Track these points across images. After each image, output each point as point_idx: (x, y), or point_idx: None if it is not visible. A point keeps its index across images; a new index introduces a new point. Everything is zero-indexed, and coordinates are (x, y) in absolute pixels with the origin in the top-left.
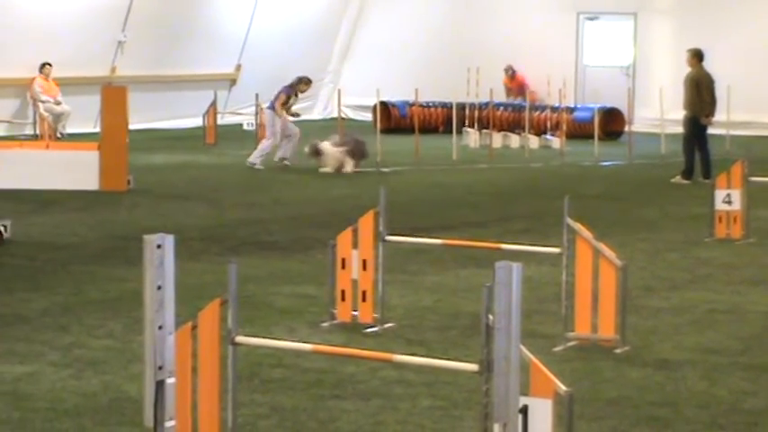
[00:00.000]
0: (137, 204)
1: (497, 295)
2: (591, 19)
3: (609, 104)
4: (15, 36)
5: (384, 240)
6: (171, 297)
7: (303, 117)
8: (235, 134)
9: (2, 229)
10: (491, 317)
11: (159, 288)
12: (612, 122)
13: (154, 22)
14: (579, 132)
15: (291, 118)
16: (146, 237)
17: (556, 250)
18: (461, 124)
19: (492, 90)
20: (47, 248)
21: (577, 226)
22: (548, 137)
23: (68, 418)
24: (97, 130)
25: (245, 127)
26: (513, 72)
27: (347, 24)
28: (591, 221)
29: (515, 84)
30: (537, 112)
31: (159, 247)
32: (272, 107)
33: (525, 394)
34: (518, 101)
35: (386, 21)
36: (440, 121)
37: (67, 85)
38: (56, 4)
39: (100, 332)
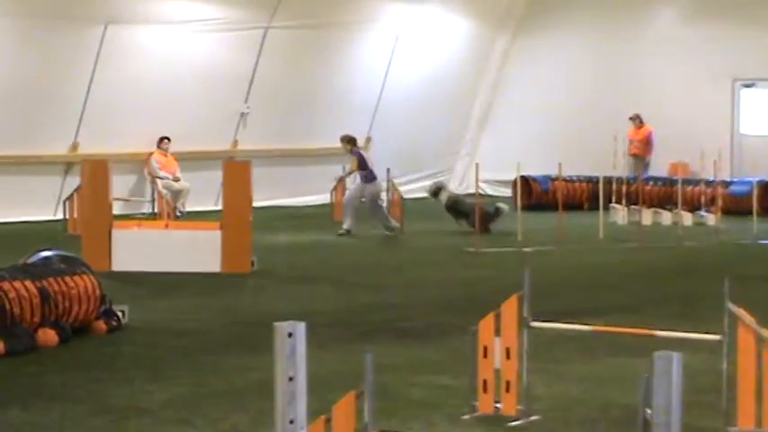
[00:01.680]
0: (261, 287)
1: (656, 387)
2: (747, 86)
3: None
4: (132, 108)
5: (529, 326)
6: (303, 389)
7: None
8: (365, 211)
9: (119, 314)
10: (648, 411)
11: (291, 379)
12: None
13: (278, 92)
14: (736, 207)
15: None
16: (276, 324)
17: (715, 337)
18: (608, 200)
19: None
20: (167, 335)
21: (738, 310)
22: (702, 213)
23: None
24: (218, 207)
25: None
26: (641, 122)
27: (483, 95)
28: (752, 305)
29: (641, 136)
30: (690, 187)
31: (290, 335)
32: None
33: None
34: (644, 159)
35: (526, 87)
36: (585, 196)
37: (187, 160)
38: (174, 75)
39: (225, 426)
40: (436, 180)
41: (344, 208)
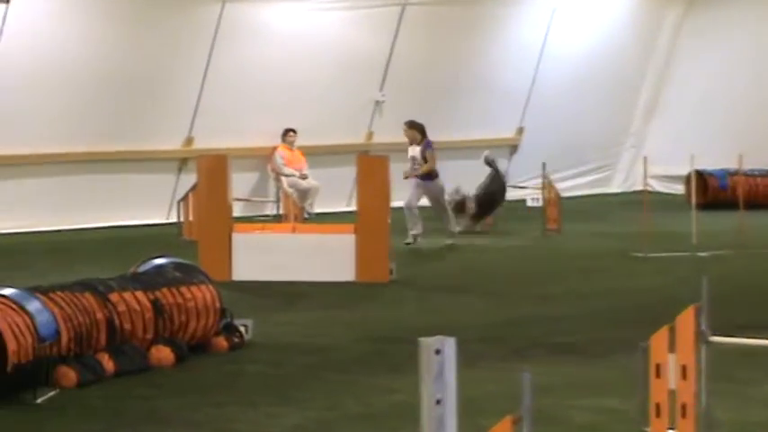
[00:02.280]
0: (401, 299)
1: None
2: None
3: None
4: (253, 98)
5: (707, 342)
6: (452, 412)
7: (597, 190)
8: (517, 211)
9: (242, 330)
10: None
11: (438, 402)
12: None
13: (417, 78)
14: None
15: None
16: (422, 340)
17: None
18: None
19: None
20: (295, 353)
21: None
22: None
23: None
24: (352, 208)
25: (528, 203)
26: None
27: (652, 78)
28: None
29: None
30: None
31: (438, 352)
32: None
33: None
34: None
35: (699, 71)
36: None
37: (315, 154)
38: (300, 59)
39: None
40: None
41: (406, 213)
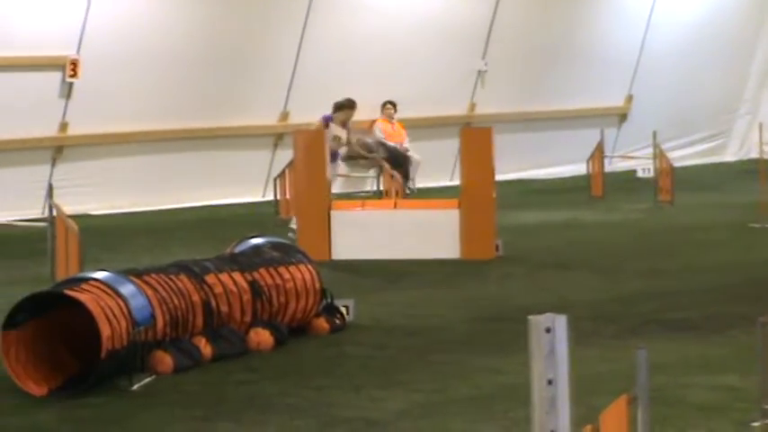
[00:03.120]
0: (508, 275)
1: None
2: None
3: None
4: (349, 70)
5: None
6: (564, 394)
7: (710, 159)
8: (627, 183)
9: (343, 311)
10: None
11: (550, 383)
12: None
13: (521, 46)
14: None
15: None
16: (531, 318)
17: None
18: None
19: None
20: (399, 334)
21: None
22: None
23: None
24: (455, 183)
25: (638, 174)
26: None
27: (766, 42)
28: None
29: None
30: None
31: (549, 330)
32: None
33: None
34: None
35: None
36: None
37: (416, 127)
38: (397, 29)
39: None
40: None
41: None
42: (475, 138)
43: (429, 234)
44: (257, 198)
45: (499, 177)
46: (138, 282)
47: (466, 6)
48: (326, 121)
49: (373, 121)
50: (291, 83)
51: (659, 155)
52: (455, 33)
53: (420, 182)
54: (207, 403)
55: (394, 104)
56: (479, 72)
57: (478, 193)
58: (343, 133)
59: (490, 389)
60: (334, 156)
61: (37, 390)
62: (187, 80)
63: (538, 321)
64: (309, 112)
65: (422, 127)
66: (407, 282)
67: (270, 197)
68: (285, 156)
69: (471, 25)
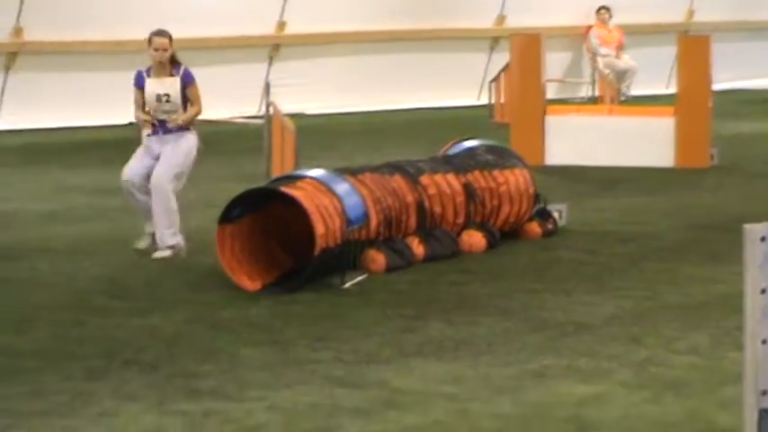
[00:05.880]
0: (722, 185)
1: None
2: None
3: None
4: None
5: None
6: None
7: None
8: None
9: (556, 215)
10: None
11: (763, 292)
12: None
13: None
14: None
15: None
16: (746, 227)
17: None
18: None
19: None
20: (611, 240)
21: None
22: None
23: None
24: (671, 91)
25: None
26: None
27: None
28: None
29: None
30: None
31: (763, 239)
32: None
33: None
34: None
35: None
36: None
37: (632, 34)
38: None
39: (681, 346)
40: None
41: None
42: (692, 46)
43: (643, 141)
44: (472, 101)
45: (715, 86)
46: (352, 181)
47: None
48: None
49: (589, 27)
50: None
51: None
52: None
53: (635, 89)
54: (418, 303)
55: (608, 9)
56: None
57: (694, 102)
58: None
59: (701, 297)
60: None
61: (250, 285)
62: None
63: (753, 230)
64: (526, 16)
65: (638, 33)
66: (621, 189)
67: (484, 101)
68: (501, 59)
69: None
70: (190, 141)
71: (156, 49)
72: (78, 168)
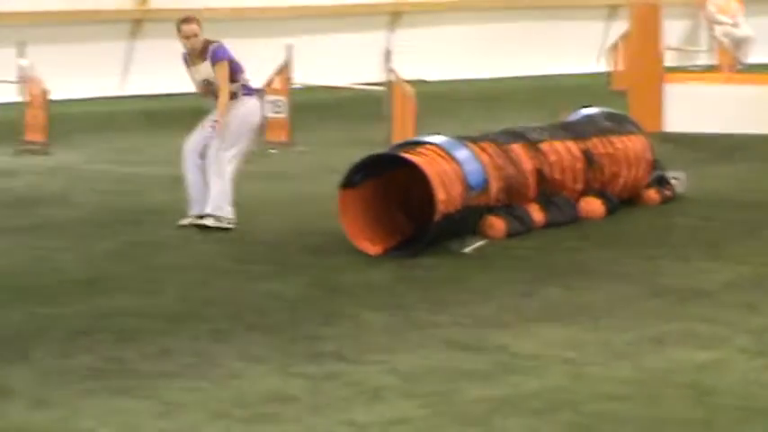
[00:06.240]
0: None
1: None
2: None
3: None
4: None
5: None
6: None
7: None
8: None
9: (673, 182)
10: None
11: None
12: None
13: None
14: None
15: None
16: None
17: None
18: None
19: None
20: (729, 207)
21: None
22: None
23: (762, 419)
24: None
25: None
26: None
27: None
28: None
29: None
30: None
31: None
32: None
33: None
34: None
35: None
36: None
37: (752, 2)
38: None
39: None
40: None
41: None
42: None
43: (762, 109)
44: (590, 69)
45: None
46: (473, 147)
47: None
48: None
49: None
50: None
51: None
52: None
53: (753, 57)
54: (535, 268)
55: None
56: None
57: None
58: None
59: None
60: None
61: (372, 249)
62: None
63: None
64: None
65: (756, 2)
66: (739, 156)
67: (602, 68)
68: (619, 27)
69: None
70: (247, 107)
71: (185, 37)
72: None
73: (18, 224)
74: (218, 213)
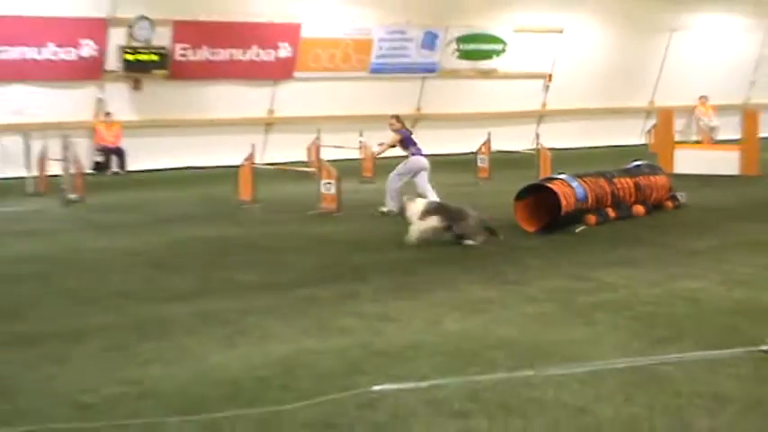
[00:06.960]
0: None
1: None
2: None
3: None
4: (679, 72)
5: None
6: None
7: None
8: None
9: (679, 197)
10: None
11: None
12: None
13: None
14: None
15: None
16: None
17: None
18: None
19: None
20: (709, 210)
21: None
22: None
23: (728, 314)
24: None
25: None
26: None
27: None
28: None
29: None
30: None
31: None
32: None
33: None
34: None
35: None
36: None
37: (719, 110)
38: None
39: None
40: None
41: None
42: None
43: (724, 162)
44: (638, 141)
45: None
46: (580, 180)
47: None
48: None
49: (695, 106)
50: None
51: None
52: None
53: (720, 137)
54: (611, 240)
55: (706, 96)
56: None
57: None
58: None
59: None
60: None
61: (530, 228)
62: None
63: None
64: (665, 98)
65: (721, 109)
66: (713, 185)
67: (644, 141)
68: (652, 120)
69: None
70: (410, 162)
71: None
72: None
73: None
74: (385, 209)
